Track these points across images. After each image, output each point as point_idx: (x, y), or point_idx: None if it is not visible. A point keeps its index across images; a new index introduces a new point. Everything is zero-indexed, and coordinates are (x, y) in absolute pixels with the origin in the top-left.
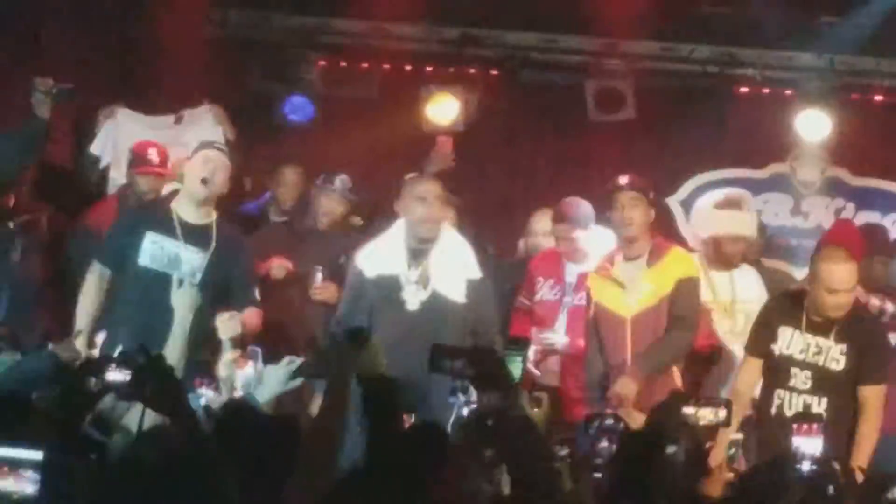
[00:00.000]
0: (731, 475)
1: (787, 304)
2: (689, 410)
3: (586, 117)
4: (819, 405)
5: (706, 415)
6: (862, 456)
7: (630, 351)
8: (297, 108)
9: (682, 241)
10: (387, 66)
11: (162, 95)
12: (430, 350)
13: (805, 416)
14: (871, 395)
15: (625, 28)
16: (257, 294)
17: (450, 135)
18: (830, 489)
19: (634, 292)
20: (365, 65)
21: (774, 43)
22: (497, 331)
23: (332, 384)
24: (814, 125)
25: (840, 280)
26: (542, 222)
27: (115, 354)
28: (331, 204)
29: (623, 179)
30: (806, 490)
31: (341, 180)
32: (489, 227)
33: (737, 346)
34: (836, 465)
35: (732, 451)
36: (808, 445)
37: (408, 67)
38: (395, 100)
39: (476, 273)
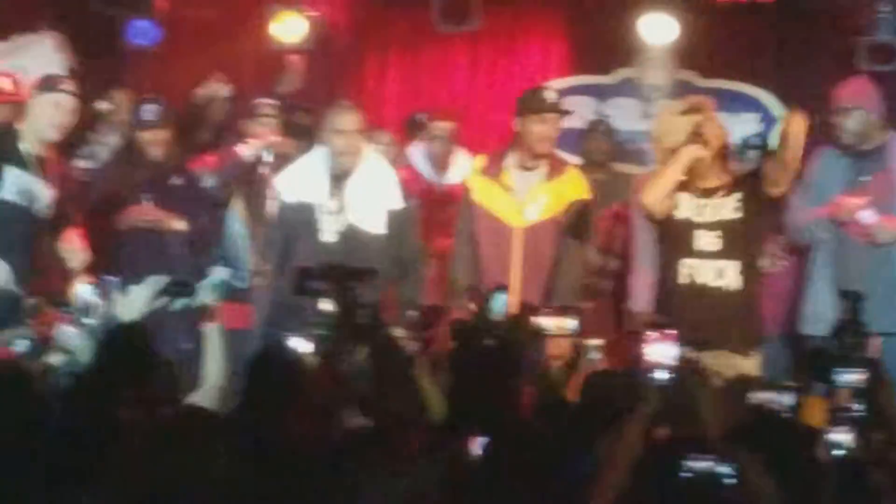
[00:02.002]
0: None
1: None
2: (539, 321)
3: (433, 29)
4: (731, 270)
5: (557, 324)
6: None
7: (518, 264)
8: (142, 31)
9: None
10: None
11: None
12: (297, 273)
13: (656, 323)
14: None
15: None
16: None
17: (298, 53)
18: (688, 396)
19: (530, 203)
20: None
21: None
22: (422, 260)
23: None
24: (659, 29)
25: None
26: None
27: None
28: (155, 136)
29: (552, 95)
30: (663, 397)
31: (152, 111)
32: None
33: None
34: (697, 370)
35: (592, 355)
36: (662, 353)
37: None
38: (240, 20)
39: (398, 203)
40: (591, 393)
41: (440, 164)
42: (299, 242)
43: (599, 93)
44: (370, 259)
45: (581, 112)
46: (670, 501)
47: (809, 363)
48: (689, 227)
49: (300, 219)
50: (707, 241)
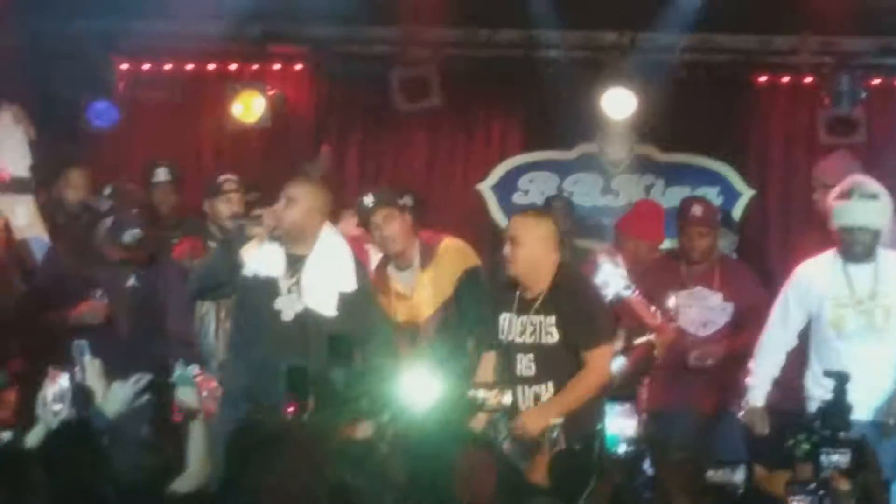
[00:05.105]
0: None
1: (501, 288)
2: (476, 394)
3: (393, 107)
4: (547, 392)
5: (491, 398)
6: (552, 407)
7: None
8: (101, 113)
9: (492, 226)
10: (190, 67)
11: None
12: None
13: (618, 396)
14: (593, 358)
15: (427, 15)
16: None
17: (256, 132)
18: (648, 469)
19: (418, 299)
20: (168, 66)
21: (577, 23)
22: (380, 341)
23: None
24: (619, 104)
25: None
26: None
27: None
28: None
29: (367, 199)
30: (624, 471)
31: (131, 234)
32: None
33: (873, 341)
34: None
35: (555, 434)
36: (623, 427)
37: (211, 67)
38: (200, 100)
39: (350, 285)
40: (555, 473)
41: None
42: (257, 318)
43: (560, 168)
44: (322, 340)
45: (541, 188)
46: None
47: (794, 441)
48: (513, 349)
49: (260, 295)
50: (525, 365)
